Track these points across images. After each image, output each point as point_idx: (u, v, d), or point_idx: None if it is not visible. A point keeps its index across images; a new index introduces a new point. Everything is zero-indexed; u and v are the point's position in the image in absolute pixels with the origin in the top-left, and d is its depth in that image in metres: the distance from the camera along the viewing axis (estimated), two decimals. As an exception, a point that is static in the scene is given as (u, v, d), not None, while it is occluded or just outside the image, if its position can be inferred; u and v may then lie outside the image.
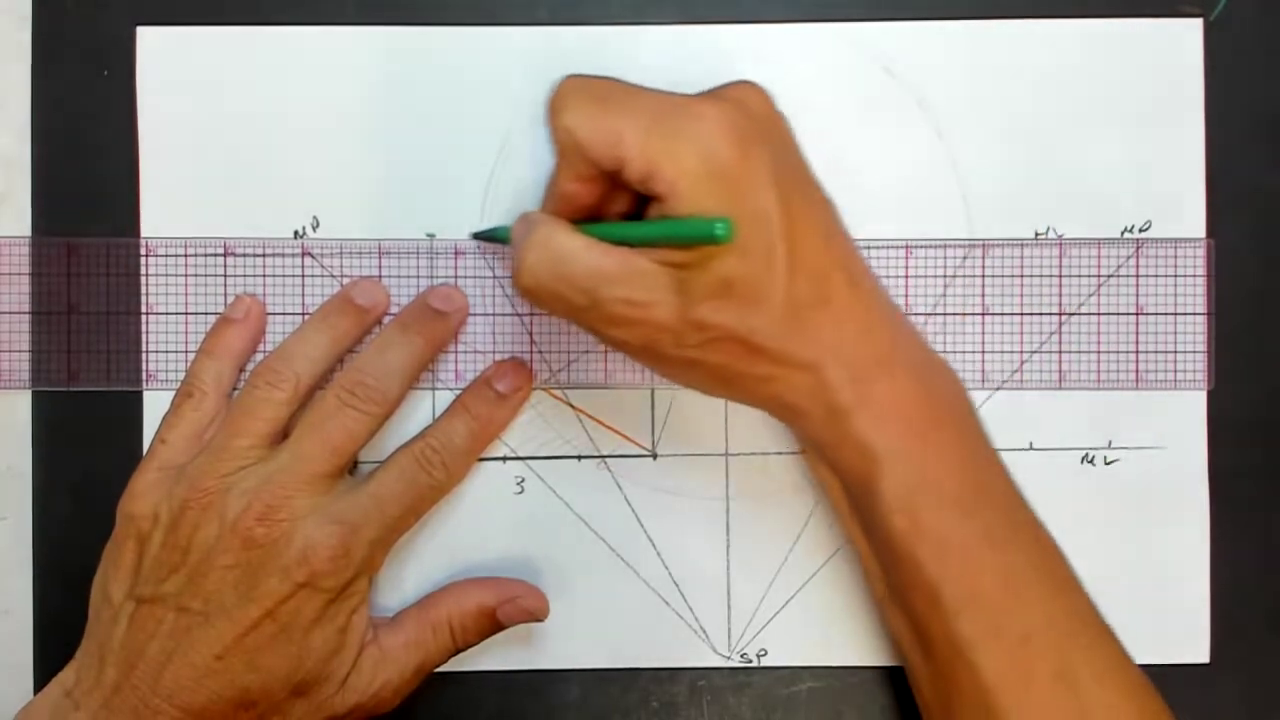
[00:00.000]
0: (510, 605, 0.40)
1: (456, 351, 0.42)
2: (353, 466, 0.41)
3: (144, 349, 0.42)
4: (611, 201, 0.36)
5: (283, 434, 0.39)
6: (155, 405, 0.42)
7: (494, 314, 0.42)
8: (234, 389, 0.41)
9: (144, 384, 0.42)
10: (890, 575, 0.37)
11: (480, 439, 0.41)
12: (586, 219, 0.36)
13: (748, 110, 0.34)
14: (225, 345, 0.41)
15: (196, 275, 0.42)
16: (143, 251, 0.42)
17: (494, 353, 0.42)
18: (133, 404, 0.42)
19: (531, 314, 0.42)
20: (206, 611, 0.37)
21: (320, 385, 0.40)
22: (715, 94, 0.35)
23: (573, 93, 0.34)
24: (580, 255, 0.34)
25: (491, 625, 0.40)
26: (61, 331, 0.42)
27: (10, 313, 0.42)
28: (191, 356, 0.41)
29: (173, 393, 0.41)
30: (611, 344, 0.36)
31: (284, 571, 0.37)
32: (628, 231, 0.34)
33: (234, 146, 0.42)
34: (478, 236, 0.42)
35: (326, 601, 0.37)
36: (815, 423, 0.35)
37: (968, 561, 0.35)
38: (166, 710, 0.36)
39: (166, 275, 0.42)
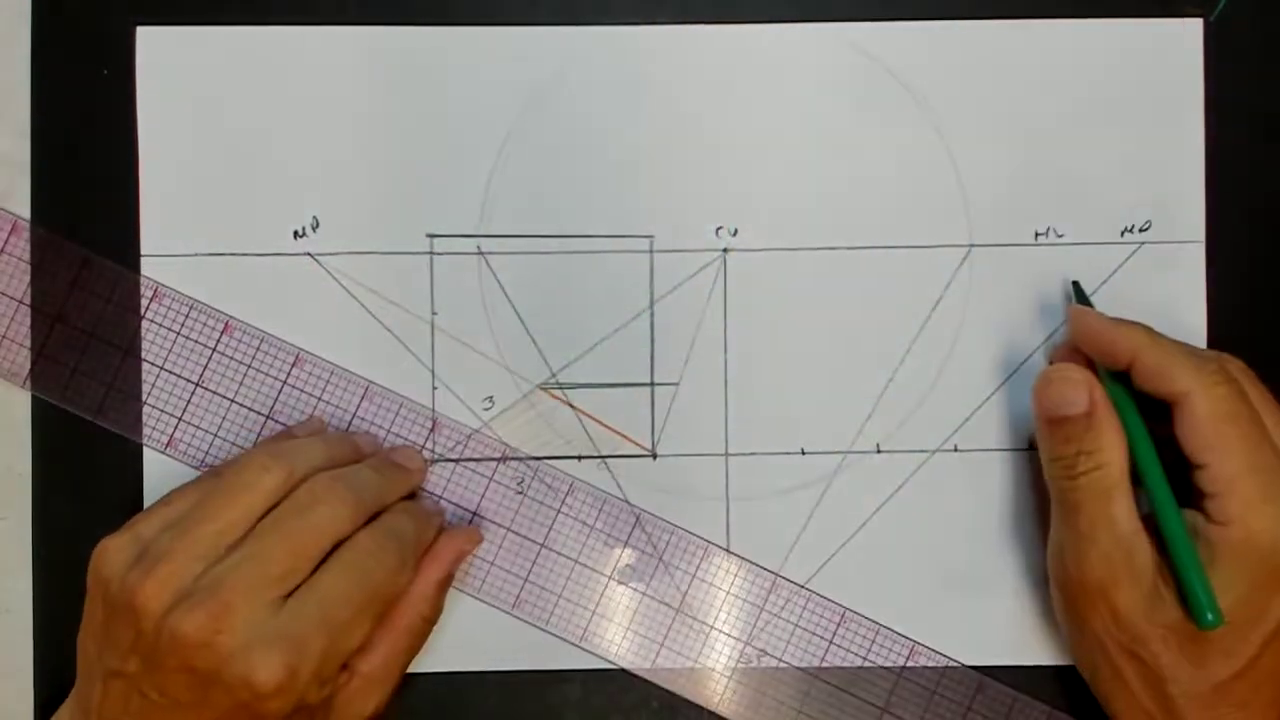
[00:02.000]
0: (457, 563, 0.40)
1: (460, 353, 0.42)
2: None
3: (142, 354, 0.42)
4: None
5: (252, 527, 0.37)
6: (155, 406, 0.42)
7: (492, 317, 0.42)
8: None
9: (142, 440, 0.42)
10: None
11: (423, 537, 0.39)
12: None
13: None
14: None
15: (197, 276, 0.42)
16: (144, 248, 0.42)
17: (495, 354, 0.42)
18: (132, 405, 0.42)
19: (530, 315, 0.42)
20: (165, 704, 0.35)
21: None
22: None
23: (1222, 381, 0.36)
24: (1117, 500, 0.36)
25: (448, 587, 0.40)
26: (58, 342, 0.42)
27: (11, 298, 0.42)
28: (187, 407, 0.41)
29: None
30: (1057, 566, 0.38)
31: (228, 689, 0.34)
32: (1165, 506, 0.36)
33: (234, 146, 0.42)
34: (1076, 286, 0.42)
35: (284, 716, 0.35)
36: None
37: None
38: None
39: (168, 278, 0.42)
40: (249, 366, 0.42)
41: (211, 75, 0.42)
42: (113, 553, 0.36)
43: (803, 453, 0.42)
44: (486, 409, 0.42)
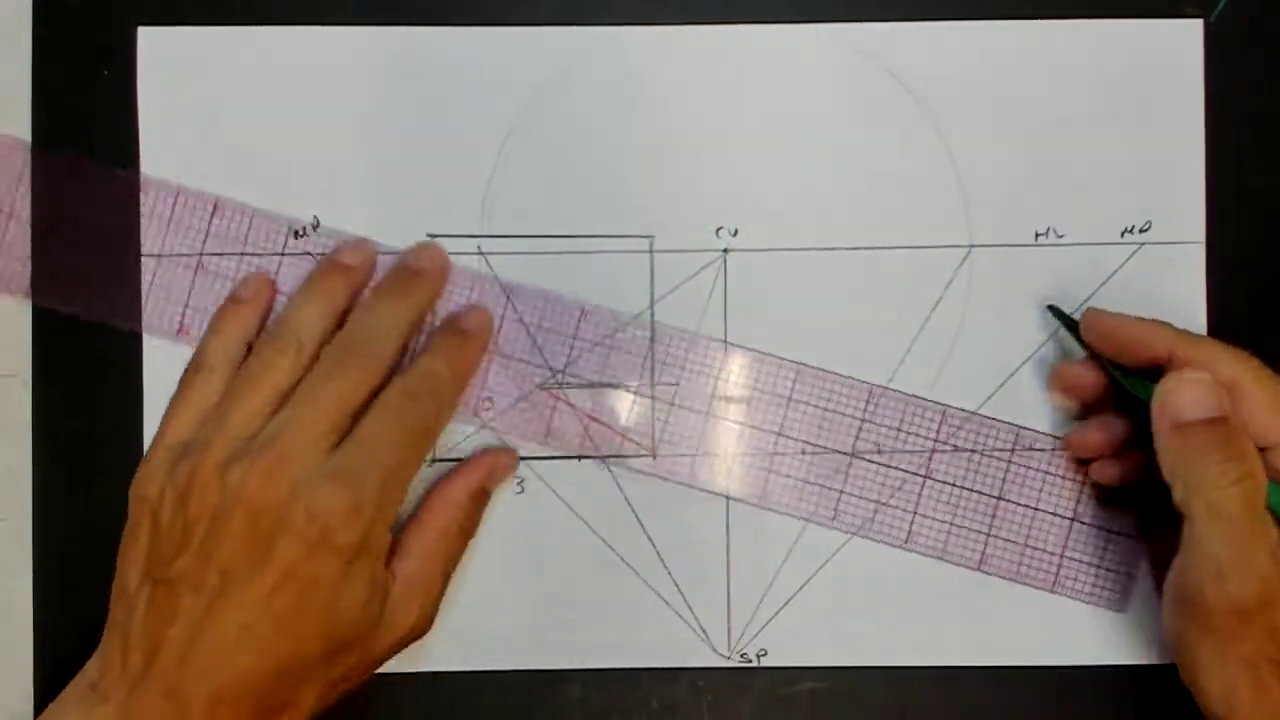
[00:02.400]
0: (491, 476, 0.41)
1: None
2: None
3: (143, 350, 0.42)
4: None
5: (285, 401, 0.38)
6: (154, 407, 0.42)
7: (496, 317, 0.42)
8: (239, 365, 0.40)
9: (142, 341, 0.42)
10: None
11: (458, 373, 0.40)
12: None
13: None
14: (233, 324, 0.41)
15: (196, 277, 0.42)
16: (144, 252, 0.42)
17: (495, 353, 0.42)
18: (133, 405, 0.42)
19: (530, 315, 0.42)
20: (223, 585, 0.35)
21: (321, 348, 0.39)
22: None
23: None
24: (1265, 516, 0.35)
25: (485, 498, 0.41)
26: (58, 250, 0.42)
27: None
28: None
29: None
30: (1198, 586, 0.35)
31: (295, 533, 0.35)
32: None
33: (234, 146, 0.42)
34: (1053, 310, 0.42)
35: (347, 560, 0.36)
36: None
37: None
38: (200, 690, 0.35)
39: (166, 282, 0.42)
40: (245, 243, 0.42)
41: (212, 75, 0.42)
42: (154, 467, 0.38)
43: (803, 453, 0.42)
44: (486, 409, 0.42)
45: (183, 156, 0.42)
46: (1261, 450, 0.35)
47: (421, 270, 0.41)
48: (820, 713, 0.43)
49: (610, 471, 0.43)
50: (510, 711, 0.42)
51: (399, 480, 0.38)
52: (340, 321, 0.40)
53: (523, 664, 0.42)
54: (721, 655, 0.43)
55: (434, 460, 0.42)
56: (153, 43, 0.42)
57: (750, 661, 0.43)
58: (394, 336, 0.39)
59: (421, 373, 0.39)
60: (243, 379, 0.39)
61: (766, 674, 0.43)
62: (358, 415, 0.38)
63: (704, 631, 0.43)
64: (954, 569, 0.42)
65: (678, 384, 0.43)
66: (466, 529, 0.41)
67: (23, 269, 0.42)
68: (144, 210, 0.42)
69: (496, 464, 0.41)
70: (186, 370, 0.40)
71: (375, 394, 0.38)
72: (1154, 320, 0.39)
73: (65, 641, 0.42)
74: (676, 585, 0.43)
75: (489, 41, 0.42)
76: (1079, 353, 0.41)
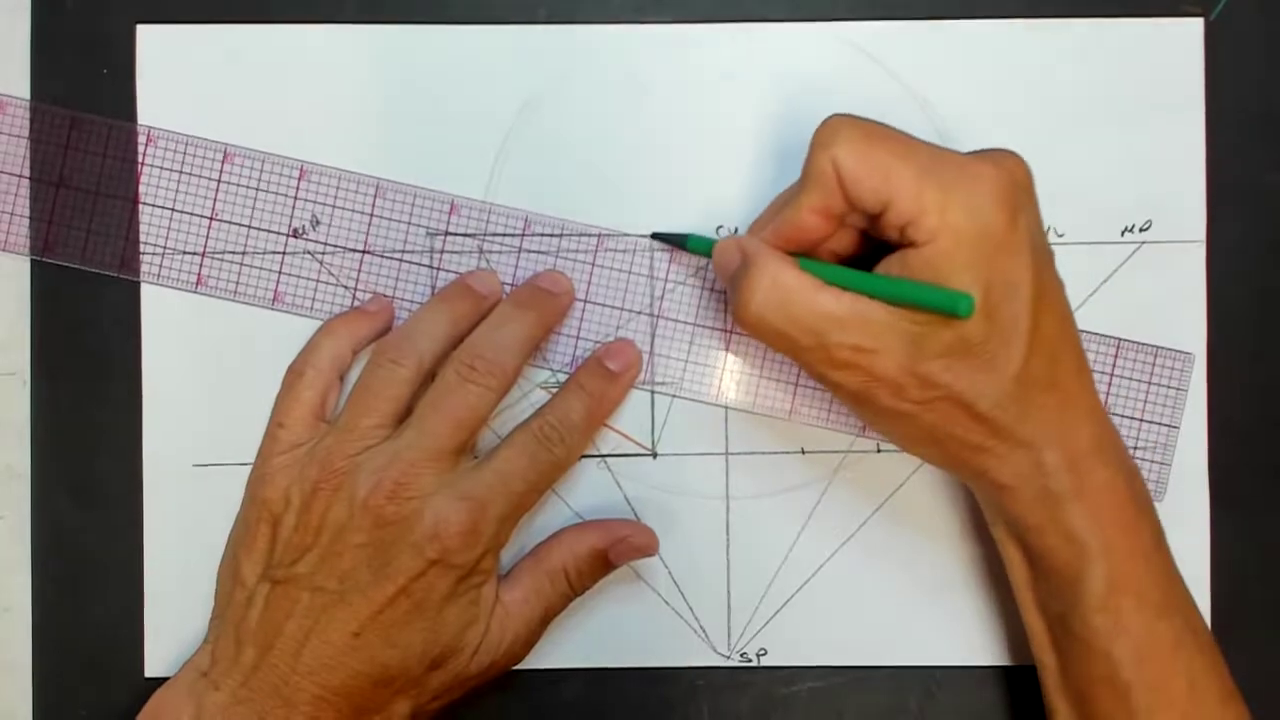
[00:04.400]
0: (621, 545, 0.41)
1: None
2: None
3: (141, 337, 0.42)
4: (832, 241, 0.37)
5: (406, 413, 0.39)
6: (154, 406, 0.42)
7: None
8: (348, 370, 0.41)
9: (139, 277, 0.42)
10: (1075, 667, 0.37)
11: (595, 416, 0.41)
12: (800, 254, 0.37)
13: (1015, 179, 0.35)
14: (350, 329, 0.41)
15: (197, 275, 0.42)
16: (143, 249, 0.42)
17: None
18: (133, 405, 0.42)
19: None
20: (342, 590, 0.37)
21: (439, 364, 0.40)
22: (987, 157, 0.35)
23: (845, 126, 0.35)
24: (810, 298, 0.35)
25: (605, 566, 0.41)
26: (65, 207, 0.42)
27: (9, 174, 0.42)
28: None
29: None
30: (827, 384, 0.36)
31: (416, 548, 0.37)
32: (861, 283, 0.34)
33: (234, 145, 0.42)
34: (658, 237, 0.42)
35: (458, 578, 0.38)
36: (1022, 503, 0.36)
37: (1162, 665, 0.36)
38: (307, 687, 0.37)
39: (166, 278, 0.42)
40: (257, 190, 0.42)
41: (212, 74, 0.42)
42: (275, 469, 0.39)
43: (803, 452, 0.42)
44: (486, 409, 0.42)
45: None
46: (880, 217, 0.34)
47: (550, 291, 0.41)
48: (820, 713, 0.43)
49: (610, 471, 0.43)
50: (510, 711, 0.42)
51: (518, 512, 0.39)
52: (459, 341, 0.40)
53: (522, 664, 0.42)
54: (721, 655, 0.43)
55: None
56: (152, 41, 0.42)
57: (750, 661, 0.43)
58: (518, 353, 0.40)
59: (560, 413, 0.40)
60: (362, 389, 0.39)
61: (766, 674, 0.43)
62: (479, 431, 0.39)
63: (704, 631, 0.43)
64: (954, 569, 0.42)
65: (678, 383, 0.43)
66: (576, 584, 0.41)
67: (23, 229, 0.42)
68: (143, 215, 0.42)
69: (633, 539, 0.41)
70: (290, 371, 0.41)
71: (494, 408, 0.39)
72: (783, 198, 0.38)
73: (64, 641, 0.42)
74: (676, 585, 0.43)
75: (489, 41, 0.42)
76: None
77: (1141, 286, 0.43)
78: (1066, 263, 0.42)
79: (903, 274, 0.34)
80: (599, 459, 0.43)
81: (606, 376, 0.41)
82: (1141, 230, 0.43)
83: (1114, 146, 0.43)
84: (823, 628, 0.42)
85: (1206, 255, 0.43)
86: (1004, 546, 0.38)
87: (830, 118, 0.35)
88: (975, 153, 0.35)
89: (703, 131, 0.43)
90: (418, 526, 0.37)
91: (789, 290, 0.35)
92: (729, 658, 0.43)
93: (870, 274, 0.35)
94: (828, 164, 0.34)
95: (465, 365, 0.39)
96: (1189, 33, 0.43)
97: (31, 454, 0.42)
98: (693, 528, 0.43)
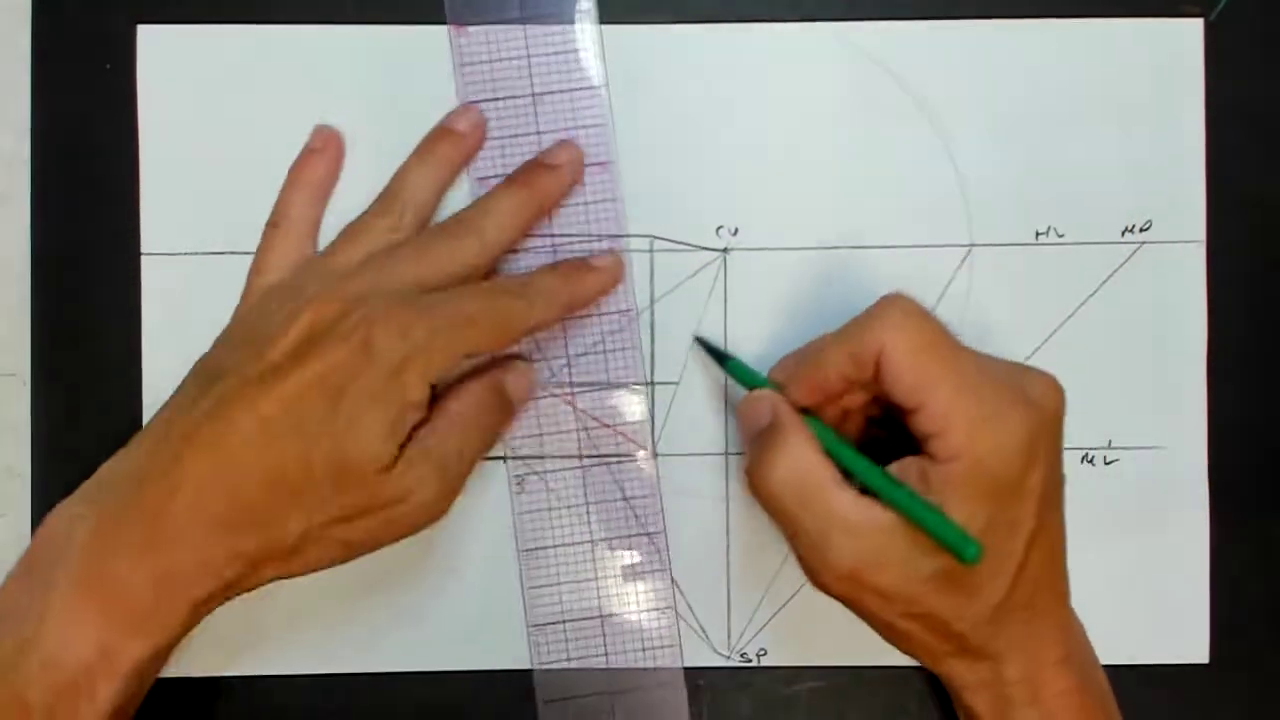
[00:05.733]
0: (506, 375, 0.40)
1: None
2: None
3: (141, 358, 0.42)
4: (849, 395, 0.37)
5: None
6: (154, 408, 0.42)
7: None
8: (318, 220, 0.42)
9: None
10: None
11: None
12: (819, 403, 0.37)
13: (1045, 417, 0.35)
14: (307, 176, 0.42)
15: (197, 275, 0.42)
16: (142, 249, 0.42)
17: (495, 353, 0.42)
18: (133, 405, 0.42)
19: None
20: (261, 375, 0.36)
21: (427, 221, 0.41)
22: (1023, 389, 0.35)
23: (904, 316, 0.35)
24: (827, 494, 0.35)
25: (503, 400, 0.40)
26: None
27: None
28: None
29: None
30: (815, 577, 0.36)
31: (342, 336, 0.35)
32: (881, 485, 0.34)
33: (234, 145, 0.42)
34: (701, 342, 0.42)
35: (381, 376, 0.35)
36: (979, 703, 0.37)
37: None
38: (195, 469, 0.35)
39: (166, 278, 0.42)
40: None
41: (212, 74, 0.42)
42: (252, 293, 0.40)
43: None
44: (486, 409, 0.42)
45: (182, 155, 0.42)
46: (909, 414, 0.35)
47: (554, 166, 0.41)
48: (820, 713, 0.43)
49: (610, 471, 0.43)
50: (510, 711, 0.42)
51: (458, 338, 0.36)
52: (448, 186, 0.41)
53: (522, 663, 0.42)
54: (721, 655, 0.43)
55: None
56: (152, 41, 0.42)
57: (750, 661, 0.43)
58: (510, 226, 0.40)
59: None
60: (342, 238, 0.40)
61: (766, 674, 0.43)
62: (444, 278, 0.38)
63: (704, 631, 0.43)
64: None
65: (678, 383, 0.43)
66: (484, 422, 0.39)
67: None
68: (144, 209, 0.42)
69: (511, 365, 0.41)
70: (266, 225, 0.41)
71: (475, 277, 0.39)
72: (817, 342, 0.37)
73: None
74: (676, 585, 0.43)
75: (489, 41, 0.42)
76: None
77: (1141, 286, 0.43)
78: (1067, 263, 0.43)
79: (920, 487, 0.34)
80: (599, 459, 0.43)
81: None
82: (1141, 230, 0.43)
83: (1114, 146, 0.43)
84: (823, 628, 0.42)
85: (1206, 255, 0.43)
86: (956, 703, 0.39)
87: (894, 299, 0.35)
88: (1016, 371, 0.36)
89: (703, 131, 0.43)
90: (349, 319, 0.36)
91: (808, 476, 0.35)
92: (729, 658, 0.43)
93: (890, 479, 0.35)
94: (874, 346, 0.34)
95: (455, 223, 0.39)
96: (1189, 33, 0.43)
97: (31, 454, 0.42)
98: (693, 527, 0.43)
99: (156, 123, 0.42)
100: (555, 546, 0.42)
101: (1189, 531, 0.43)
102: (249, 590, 0.36)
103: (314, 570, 0.37)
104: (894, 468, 0.35)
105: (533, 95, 0.42)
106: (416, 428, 0.37)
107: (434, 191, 0.41)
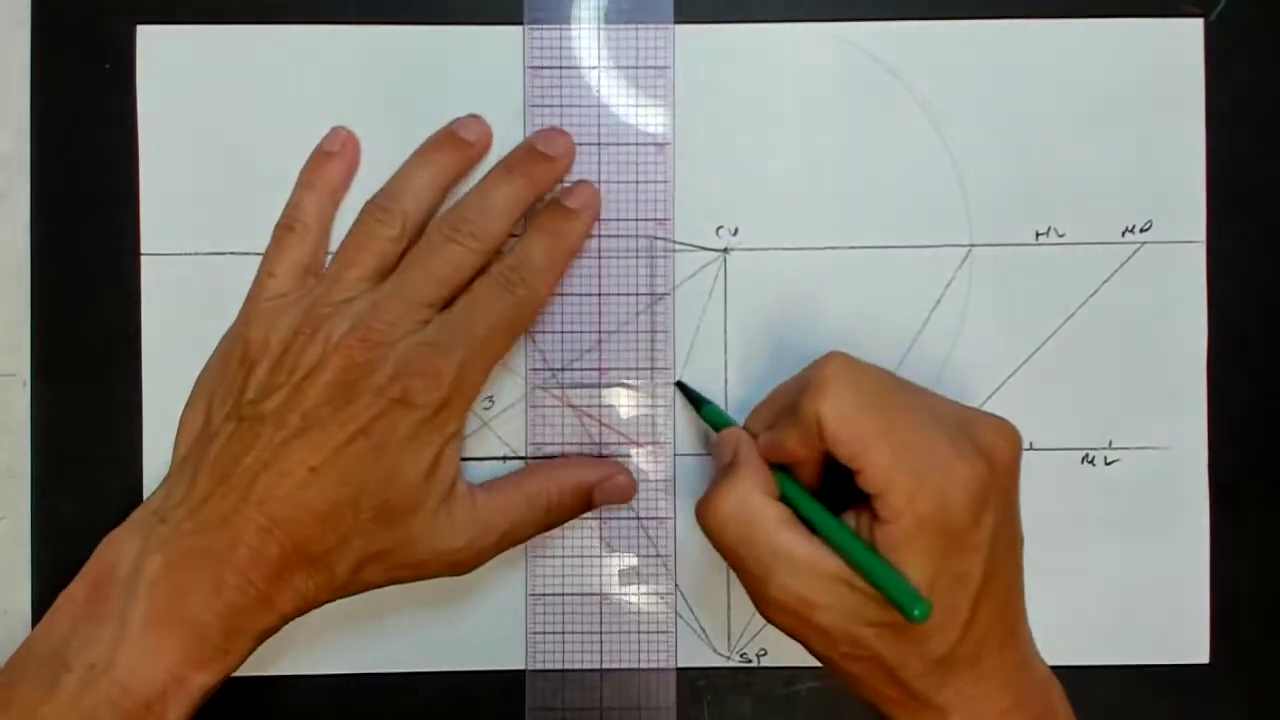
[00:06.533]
0: (607, 483, 0.41)
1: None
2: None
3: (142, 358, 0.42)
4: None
5: (392, 269, 0.40)
6: (155, 408, 0.42)
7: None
8: (331, 223, 0.42)
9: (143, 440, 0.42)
10: None
11: (555, 255, 0.40)
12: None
13: (995, 468, 0.34)
14: (323, 178, 0.42)
15: (197, 275, 0.42)
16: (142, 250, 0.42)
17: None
18: (133, 405, 0.42)
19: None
20: (304, 426, 0.37)
21: (428, 221, 0.41)
22: (971, 444, 0.34)
23: (838, 381, 0.34)
24: (771, 533, 0.35)
25: (584, 504, 0.41)
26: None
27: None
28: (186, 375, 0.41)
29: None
30: (759, 609, 0.36)
31: (378, 389, 0.37)
32: (833, 533, 0.34)
33: (234, 145, 0.42)
34: (682, 387, 0.42)
35: (419, 421, 0.37)
36: None
37: None
38: (255, 518, 0.37)
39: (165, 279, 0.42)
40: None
41: (212, 75, 0.42)
42: (260, 315, 0.40)
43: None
44: (486, 409, 0.42)
45: (182, 156, 0.42)
46: (856, 474, 0.34)
47: (547, 155, 0.41)
48: (820, 713, 0.43)
49: (610, 471, 0.43)
50: (510, 710, 0.42)
51: (483, 359, 0.39)
52: (447, 193, 0.41)
53: (522, 663, 0.42)
54: (721, 655, 0.43)
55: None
56: (152, 42, 0.42)
57: (750, 661, 0.43)
58: (504, 217, 0.40)
59: (520, 255, 0.40)
60: (350, 244, 0.40)
61: (766, 674, 0.43)
62: (459, 290, 0.39)
63: (704, 631, 0.43)
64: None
65: (677, 383, 0.43)
66: (548, 516, 0.40)
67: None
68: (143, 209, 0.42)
69: (619, 477, 0.41)
70: (279, 226, 0.41)
71: (479, 272, 0.39)
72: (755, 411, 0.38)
73: (65, 641, 0.42)
74: (677, 585, 0.43)
75: (488, 41, 0.42)
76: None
77: (1142, 286, 0.43)
78: (1067, 263, 0.43)
79: (870, 539, 0.34)
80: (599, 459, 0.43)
81: (565, 214, 0.41)
82: (1141, 230, 0.43)
83: (1114, 146, 0.43)
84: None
85: (1206, 255, 0.43)
86: None
87: (830, 360, 0.35)
88: (967, 418, 0.35)
89: (703, 131, 0.43)
90: (382, 369, 0.37)
91: (754, 515, 0.35)
92: (729, 658, 0.43)
93: (843, 528, 0.35)
94: (813, 417, 0.34)
95: (449, 226, 0.39)
96: (1189, 33, 0.43)
97: (31, 454, 0.42)
98: (693, 528, 0.42)
99: (156, 123, 0.42)
100: (554, 546, 0.42)
101: (1189, 532, 0.43)
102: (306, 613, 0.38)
103: (365, 591, 0.39)
104: (849, 516, 0.35)
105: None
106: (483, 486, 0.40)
107: (435, 196, 0.41)
